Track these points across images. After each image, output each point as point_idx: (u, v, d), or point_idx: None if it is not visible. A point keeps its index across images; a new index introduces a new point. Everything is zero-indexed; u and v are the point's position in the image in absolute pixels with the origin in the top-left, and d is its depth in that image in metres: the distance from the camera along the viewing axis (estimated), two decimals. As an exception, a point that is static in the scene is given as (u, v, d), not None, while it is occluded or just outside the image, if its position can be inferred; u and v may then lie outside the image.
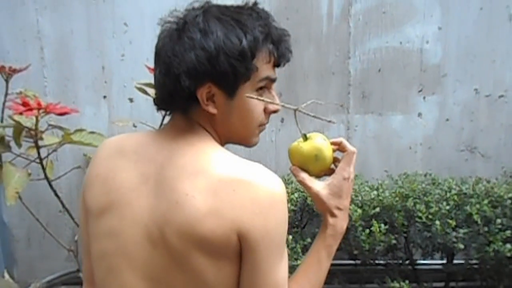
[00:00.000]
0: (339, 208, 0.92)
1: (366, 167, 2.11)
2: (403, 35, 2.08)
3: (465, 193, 1.74)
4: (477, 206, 1.64)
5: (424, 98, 2.11)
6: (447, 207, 1.65)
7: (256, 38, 0.82)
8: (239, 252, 0.80)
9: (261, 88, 0.86)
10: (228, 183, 0.78)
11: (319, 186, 0.91)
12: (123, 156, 0.89)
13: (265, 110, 0.89)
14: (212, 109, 0.84)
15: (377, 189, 1.78)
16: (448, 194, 1.73)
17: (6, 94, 1.85)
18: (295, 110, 0.90)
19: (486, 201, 1.65)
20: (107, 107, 2.19)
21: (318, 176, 0.93)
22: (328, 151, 0.91)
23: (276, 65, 0.88)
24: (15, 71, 1.86)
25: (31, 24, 2.16)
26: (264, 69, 0.84)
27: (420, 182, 1.86)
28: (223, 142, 0.92)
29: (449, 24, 2.06)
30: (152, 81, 1.89)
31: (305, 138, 0.92)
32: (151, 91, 1.87)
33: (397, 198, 1.71)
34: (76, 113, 1.67)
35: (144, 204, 0.84)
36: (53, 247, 2.23)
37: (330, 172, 0.94)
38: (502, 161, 2.11)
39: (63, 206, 1.83)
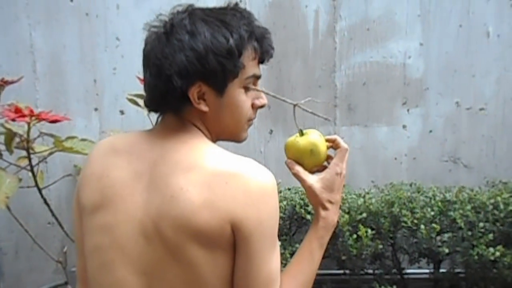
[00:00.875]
0: (330, 202, 0.95)
1: (353, 177, 2.15)
2: (387, 50, 2.16)
3: (448, 200, 1.79)
4: (460, 211, 1.69)
5: (408, 110, 2.18)
6: (432, 213, 1.70)
7: (241, 37, 0.86)
8: (233, 243, 0.83)
9: (247, 86, 0.90)
10: (221, 177, 0.81)
11: (313, 179, 0.95)
12: (117, 154, 0.92)
13: (252, 105, 0.93)
14: (203, 107, 0.88)
15: (363, 197, 1.82)
16: (433, 201, 1.78)
17: (-2, 106, 1.88)
18: (294, 106, 0.96)
19: (469, 207, 1.70)
20: (98, 119, 2.21)
21: (311, 170, 0.97)
22: (322, 147, 0.95)
23: (260, 61, 0.92)
24: (7, 82, 1.89)
25: (24, 39, 2.20)
26: (250, 66, 0.89)
27: (405, 190, 1.90)
28: (214, 139, 0.95)
29: (430, 40, 2.15)
30: (143, 92, 1.94)
31: (302, 133, 0.96)
32: (142, 103, 1.91)
33: (383, 204, 1.75)
34: (67, 121, 1.70)
35: (138, 200, 0.86)
36: (41, 260, 2.21)
37: (323, 168, 0.99)
38: (484, 171, 2.17)
39: (53, 214, 1.83)
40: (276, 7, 2.12)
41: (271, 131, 2.19)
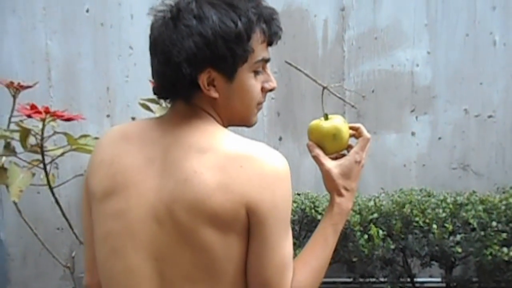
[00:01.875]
0: (346, 189, 0.94)
1: (363, 184, 2.15)
2: (394, 58, 2.19)
3: (460, 203, 1.78)
4: (473, 212, 1.68)
5: (416, 117, 2.19)
6: (443, 214, 1.69)
7: (250, 20, 0.83)
8: (247, 227, 0.82)
9: (256, 70, 0.89)
10: (235, 159, 0.81)
11: (331, 164, 0.93)
12: (128, 141, 0.91)
13: (262, 89, 0.91)
14: (214, 93, 0.86)
15: (374, 200, 1.81)
16: (444, 204, 1.77)
17: (13, 110, 1.92)
18: (323, 88, 0.97)
19: (481, 208, 1.69)
20: (110, 125, 2.25)
21: (331, 156, 0.96)
22: (345, 133, 0.94)
23: (269, 44, 0.90)
24: (22, 87, 1.93)
25: (40, 47, 2.26)
26: (259, 49, 0.87)
27: (416, 195, 1.90)
28: (225, 124, 0.93)
29: (437, 49, 2.19)
30: (155, 97, 1.97)
31: (327, 117, 0.95)
32: (155, 107, 1.94)
33: (394, 205, 1.74)
34: (81, 119, 1.73)
35: (151, 185, 0.85)
36: (48, 266, 2.20)
37: (341, 156, 0.97)
38: (494, 178, 2.16)
39: (63, 214, 1.83)
40: (286, 17, 2.17)
41: (281, 138, 2.21)
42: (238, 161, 0.81)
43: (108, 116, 2.26)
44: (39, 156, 1.73)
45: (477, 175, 2.17)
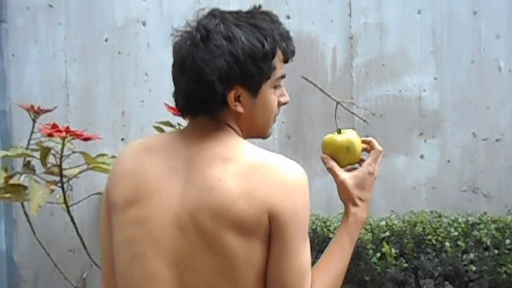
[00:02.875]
0: (361, 199, 0.96)
1: (373, 206, 2.15)
2: (402, 84, 2.26)
3: (472, 223, 1.79)
4: (485, 230, 1.68)
5: (425, 141, 2.23)
6: (456, 233, 1.69)
7: (275, 40, 0.89)
8: (268, 233, 0.84)
9: (276, 85, 0.95)
10: (258, 168, 0.85)
11: (346, 175, 0.97)
12: (150, 153, 0.94)
13: (278, 103, 0.97)
14: (240, 109, 0.90)
15: (385, 220, 1.83)
16: (456, 224, 1.78)
17: (32, 132, 1.99)
18: (337, 103, 1.02)
19: (493, 226, 1.69)
20: (124, 148, 2.30)
21: (345, 168, 0.99)
22: (358, 146, 0.98)
23: (285, 61, 0.96)
24: (42, 111, 2.01)
25: (60, 74, 2.36)
26: (279, 67, 0.93)
27: (426, 215, 1.91)
28: (245, 137, 0.97)
29: (444, 75, 2.26)
30: (169, 120, 2.03)
31: (339, 131, 1.00)
32: (168, 130, 2.00)
33: (406, 225, 1.75)
34: (98, 139, 1.79)
35: (174, 194, 0.88)
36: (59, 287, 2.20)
37: (354, 169, 0.99)
38: (504, 200, 2.17)
39: (78, 233, 1.86)
40: (296, 44, 2.22)
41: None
42: (261, 170, 0.85)
43: (122, 139, 2.32)
44: (54, 177, 1.78)
45: (487, 197, 2.18)
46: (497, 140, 2.22)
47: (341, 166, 0.99)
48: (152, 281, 0.88)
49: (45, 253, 2.03)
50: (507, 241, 1.62)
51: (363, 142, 1.00)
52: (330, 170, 0.98)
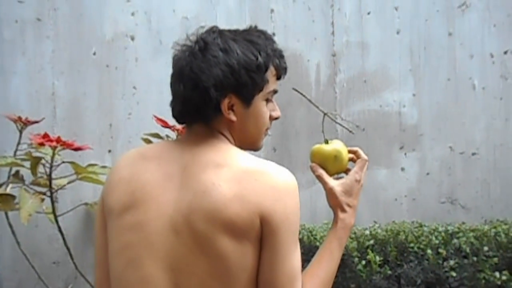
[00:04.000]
0: (348, 205, 1.02)
1: (356, 217, 2.22)
2: (383, 100, 2.35)
3: (451, 232, 1.86)
4: (464, 238, 1.76)
5: (405, 154, 2.32)
6: (436, 241, 1.76)
7: (268, 55, 0.97)
8: (260, 236, 0.88)
9: (268, 99, 1.01)
10: (250, 174, 0.90)
11: (334, 183, 1.02)
12: (146, 160, 0.99)
13: (270, 116, 1.03)
14: (232, 117, 0.96)
15: (369, 229, 1.89)
16: (436, 232, 1.85)
17: (19, 143, 1.99)
18: (324, 114, 1.08)
19: (471, 234, 1.77)
20: (111, 160, 2.31)
21: (332, 176, 1.04)
22: (345, 155, 1.05)
23: (278, 77, 1.03)
24: (29, 122, 2.03)
25: (47, 87, 2.36)
26: (272, 81, 1.00)
27: (408, 225, 1.98)
28: (237, 146, 1.02)
29: (422, 92, 2.36)
30: (158, 131, 2.06)
31: (327, 142, 1.06)
32: (157, 142, 2.03)
33: (389, 233, 1.81)
34: (89, 149, 1.81)
35: (169, 198, 0.92)
36: (43, 301, 2.16)
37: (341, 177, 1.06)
38: (481, 212, 2.26)
39: (65, 244, 1.85)
40: (281, 61, 2.34)
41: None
42: (253, 175, 0.89)
43: (109, 151, 2.33)
44: (41, 188, 1.78)
45: (465, 208, 2.27)
46: (473, 154, 2.32)
47: (329, 175, 1.04)
48: (148, 284, 0.91)
49: (28, 266, 2.01)
50: (485, 248, 1.70)
51: (349, 151, 1.07)
52: (319, 178, 1.04)
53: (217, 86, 0.93)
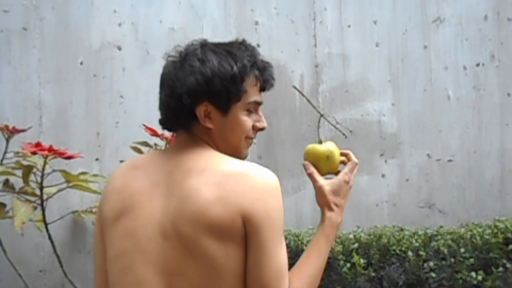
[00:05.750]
0: (336, 205, 1.07)
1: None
2: (363, 109, 2.45)
3: (430, 236, 1.95)
4: (442, 241, 1.85)
5: (385, 161, 2.42)
6: (417, 244, 1.85)
7: (244, 65, 1.00)
8: (244, 236, 0.93)
9: (249, 109, 1.04)
10: (230, 176, 0.94)
11: (324, 181, 1.07)
12: (136, 169, 1.05)
13: (253, 127, 1.06)
14: (209, 124, 1.00)
15: (353, 233, 1.96)
16: (416, 236, 1.94)
17: (5, 152, 2.00)
18: (320, 116, 1.14)
19: (449, 237, 1.86)
20: (98, 168, 2.33)
21: (323, 175, 1.09)
22: (337, 156, 1.10)
23: (262, 89, 1.07)
24: (16, 130, 2.04)
25: (33, 96, 2.36)
26: (252, 92, 1.02)
27: (389, 229, 2.06)
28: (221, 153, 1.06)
29: (400, 101, 2.47)
30: (147, 140, 2.10)
31: (321, 142, 1.12)
32: (146, 150, 2.07)
33: (372, 237, 1.89)
34: (80, 157, 1.83)
35: (156, 205, 0.97)
36: (29, 310, 2.15)
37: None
38: (457, 215, 2.37)
39: (54, 251, 1.86)
40: (266, 71, 2.41)
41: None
42: (233, 177, 0.94)
43: (97, 159, 2.35)
44: (29, 197, 1.79)
45: (442, 213, 2.38)
46: (449, 160, 2.44)
47: (321, 174, 1.09)
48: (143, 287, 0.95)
49: (14, 274, 2.01)
50: (462, 250, 1.79)
51: (341, 154, 1.12)
52: (310, 176, 1.09)
53: (190, 93, 0.98)
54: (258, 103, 1.06)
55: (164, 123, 1.06)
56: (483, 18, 2.58)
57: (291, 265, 1.84)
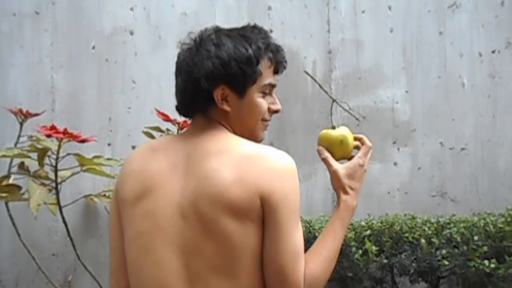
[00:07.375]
0: (351, 188, 1.07)
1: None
2: (376, 96, 2.43)
3: (442, 224, 1.95)
4: (455, 229, 1.84)
5: (398, 149, 2.40)
6: (429, 231, 1.84)
7: (259, 47, 1.02)
8: (261, 216, 0.94)
9: (264, 91, 1.05)
10: (249, 157, 0.96)
11: (338, 165, 1.07)
12: (155, 152, 1.06)
13: (268, 109, 1.07)
14: (226, 107, 1.02)
15: (366, 221, 1.96)
16: (428, 224, 1.93)
17: (19, 136, 2.01)
18: (333, 101, 1.13)
19: (462, 225, 1.85)
20: (110, 153, 2.34)
21: (338, 160, 1.09)
22: (351, 141, 1.09)
23: (275, 71, 1.08)
24: (30, 114, 2.05)
25: (46, 80, 2.37)
26: (266, 74, 1.04)
27: (401, 217, 2.06)
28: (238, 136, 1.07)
29: (414, 89, 2.45)
30: (159, 125, 2.10)
31: (334, 127, 1.11)
32: (157, 135, 2.07)
33: (384, 224, 1.89)
34: (94, 141, 1.84)
35: (175, 186, 0.99)
36: (42, 292, 2.19)
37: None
38: (469, 205, 2.36)
39: (68, 234, 1.88)
40: (279, 57, 2.39)
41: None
42: (251, 159, 0.96)
43: (109, 144, 2.35)
44: (43, 180, 1.80)
45: (454, 202, 2.37)
46: (462, 149, 2.42)
47: (335, 159, 1.08)
48: (161, 267, 0.97)
49: (27, 258, 2.04)
50: (475, 238, 1.79)
51: (355, 138, 1.11)
52: (325, 161, 1.09)
53: (208, 77, 0.99)
54: (273, 86, 1.07)
55: (181, 108, 1.07)
56: (500, 4, 2.54)
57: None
